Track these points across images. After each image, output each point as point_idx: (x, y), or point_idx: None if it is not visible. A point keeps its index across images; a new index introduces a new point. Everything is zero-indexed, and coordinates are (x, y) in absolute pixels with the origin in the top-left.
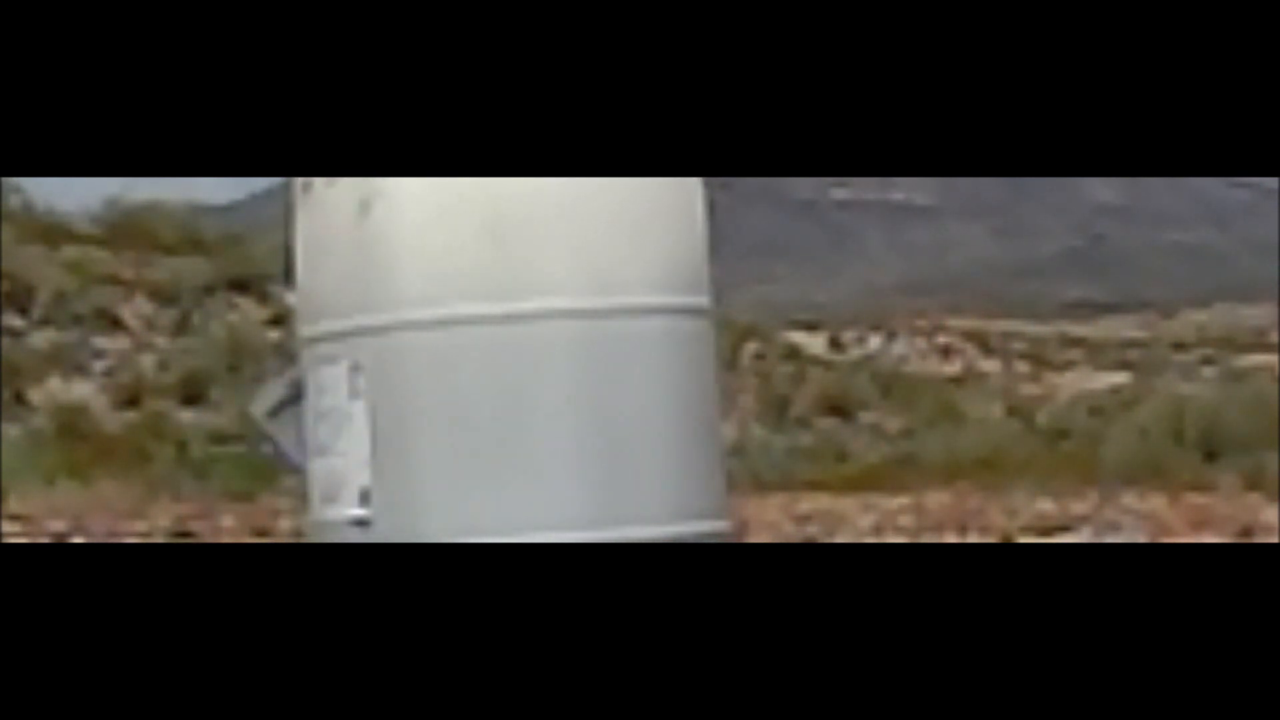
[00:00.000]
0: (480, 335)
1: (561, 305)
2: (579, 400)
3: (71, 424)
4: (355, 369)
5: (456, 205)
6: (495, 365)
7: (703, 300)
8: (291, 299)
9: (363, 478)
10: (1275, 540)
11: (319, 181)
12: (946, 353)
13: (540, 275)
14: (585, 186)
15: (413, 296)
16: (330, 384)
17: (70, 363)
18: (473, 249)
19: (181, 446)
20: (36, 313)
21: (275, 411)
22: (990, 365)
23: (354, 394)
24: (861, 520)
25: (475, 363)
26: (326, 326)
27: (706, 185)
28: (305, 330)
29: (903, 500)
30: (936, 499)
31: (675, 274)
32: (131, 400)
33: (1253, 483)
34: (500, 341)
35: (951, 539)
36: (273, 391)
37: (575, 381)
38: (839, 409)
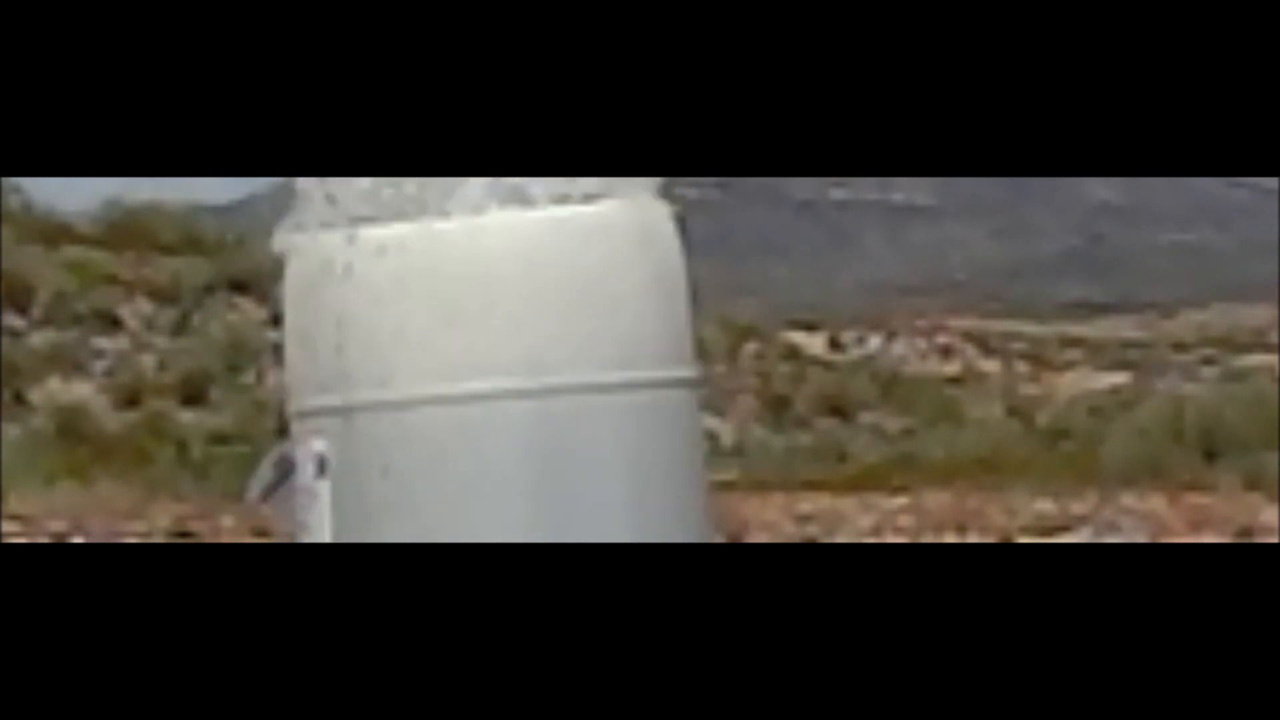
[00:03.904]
0: (432, 417)
1: (512, 385)
2: (532, 481)
3: (71, 424)
4: (320, 450)
5: (407, 283)
6: (447, 448)
7: (679, 371)
8: None
9: None
10: (1275, 540)
11: (290, 251)
12: (946, 353)
13: (491, 355)
14: (540, 262)
15: (367, 378)
16: (302, 463)
17: (70, 363)
18: (423, 329)
19: (181, 446)
20: (36, 313)
21: (266, 495)
22: (990, 365)
23: (320, 474)
24: (861, 520)
25: (428, 445)
26: (299, 404)
27: (706, 185)
28: (289, 406)
29: (903, 500)
30: (936, 499)
31: (643, 347)
32: (131, 400)
33: (1253, 483)
34: (451, 424)
35: (951, 539)
36: (263, 474)
37: (528, 462)
38: (839, 409)
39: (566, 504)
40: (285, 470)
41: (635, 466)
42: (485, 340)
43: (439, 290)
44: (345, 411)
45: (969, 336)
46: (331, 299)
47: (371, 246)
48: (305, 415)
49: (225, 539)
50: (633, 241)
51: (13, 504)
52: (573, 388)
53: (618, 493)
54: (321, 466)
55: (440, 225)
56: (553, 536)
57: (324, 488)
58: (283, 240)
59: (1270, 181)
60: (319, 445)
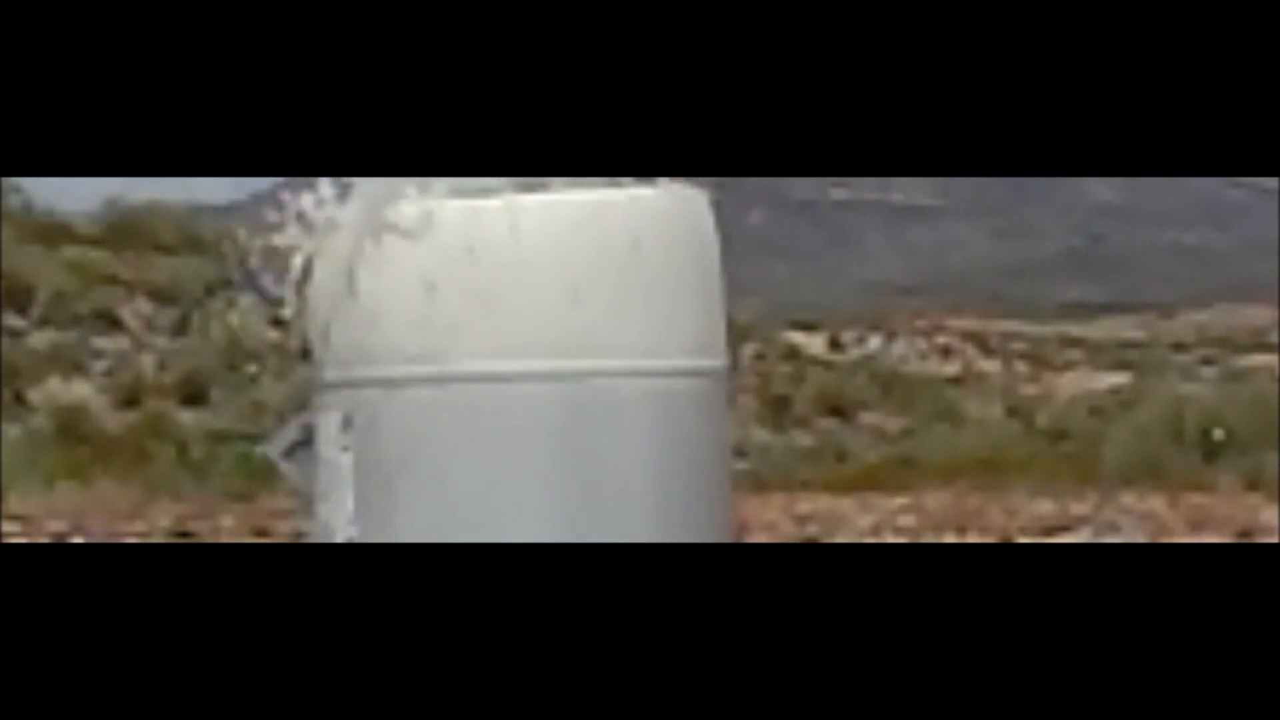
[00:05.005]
0: (461, 395)
1: (543, 368)
2: (558, 464)
3: (71, 424)
4: (346, 421)
5: (444, 261)
6: (475, 426)
7: (710, 362)
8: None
9: (349, 532)
10: (1275, 540)
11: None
12: (946, 353)
13: (524, 336)
14: (577, 245)
15: (398, 353)
16: (325, 434)
17: (70, 363)
18: (458, 307)
19: (181, 446)
20: (36, 313)
21: (289, 453)
22: (990, 365)
23: (343, 446)
24: (861, 520)
25: (455, 423)
26: (325, 374)
27: (706, 185)
28: (316, 375)
29: (903, 500)
30: (936, 499)
31: (674, 337)
32: (131, 400)
33: (1252, 483)
34: (480, 402)
35: (951, 539)
36: (288, 433)
37: (554, 445)
38: (839, 409)
39: (590, 485)
40: (310, 435)
41: (660, 453)
42: (519, 321)
43: (476, 269)
44: (374, 384)
45: (969, 336)
46: (367, 274)
47: (410, 223)
48: (333, 386)
49: (225, 539)
50: (672, 229)
51: (13, 504)
52: (602, 372)
53: (641, 478)
54: (344, 440)
55: (479, 204)
56: (575, 516)
57: (346, 461)
58: (323, 216)
59: (1270, 181)
60: (346, 416)
